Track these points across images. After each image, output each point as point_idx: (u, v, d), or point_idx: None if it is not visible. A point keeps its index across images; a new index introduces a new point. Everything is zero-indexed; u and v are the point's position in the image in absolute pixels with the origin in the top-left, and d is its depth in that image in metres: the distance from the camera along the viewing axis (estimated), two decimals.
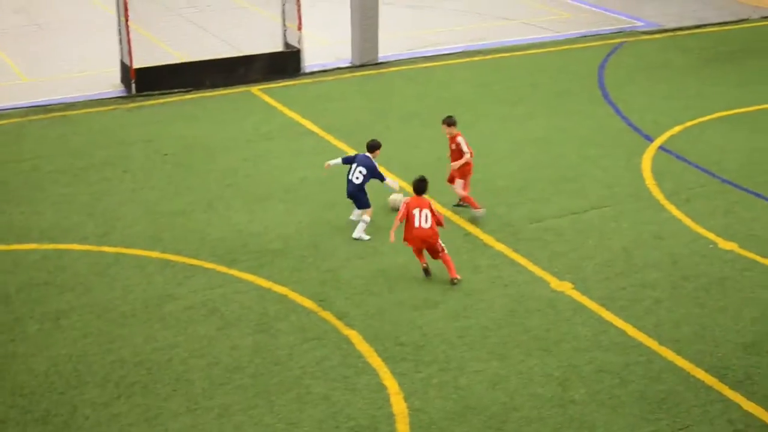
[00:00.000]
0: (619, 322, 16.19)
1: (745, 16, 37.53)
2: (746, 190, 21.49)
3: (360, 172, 19.05)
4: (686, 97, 27.47)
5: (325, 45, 31.41)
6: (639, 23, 35.86)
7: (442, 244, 17.43)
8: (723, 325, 16.22)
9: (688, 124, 25.34)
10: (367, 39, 29.51)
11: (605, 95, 27.48)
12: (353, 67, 29.54)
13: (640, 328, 16.02)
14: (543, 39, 33.06)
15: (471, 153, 19.42)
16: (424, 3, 37.93)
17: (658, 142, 24.02)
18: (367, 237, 19.01)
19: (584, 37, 33.49)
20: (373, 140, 19.59)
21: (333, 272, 17.76)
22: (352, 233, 19.09)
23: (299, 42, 28.72)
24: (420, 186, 17.43)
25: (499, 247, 18.61)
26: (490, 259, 18.20)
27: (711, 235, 19.26)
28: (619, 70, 29.96)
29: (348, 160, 19.53)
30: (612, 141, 23.98)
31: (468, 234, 19.13)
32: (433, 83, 28.36)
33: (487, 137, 24.11)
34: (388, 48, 30.60)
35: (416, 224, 17.17)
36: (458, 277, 17.37)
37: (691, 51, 32.53)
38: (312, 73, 28.95)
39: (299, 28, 28.53)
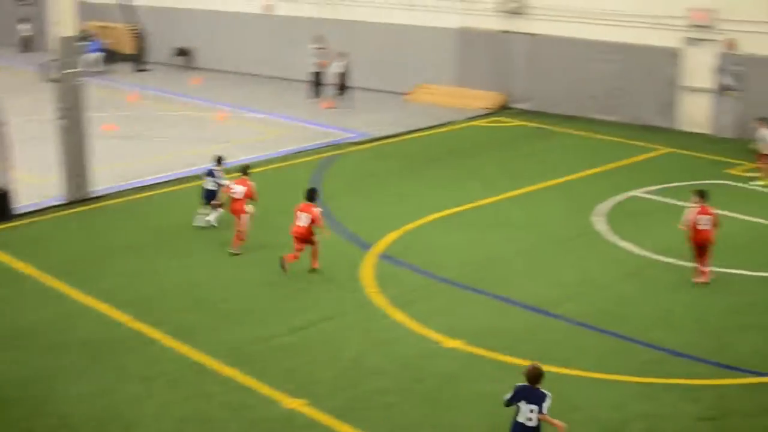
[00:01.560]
0: None
1: (450, 119, 39.07)
2: (465, 286, 22.14)
3: (213, 181, 26.20)
4: (400, 203, 28.18)
5: (37, 184, 30.63)
6: (350, 134, 36.74)
7: (316, 239, 23.15)
8: (457, 423, 16.52)
9: (405, 228, 25.99)
10: (78, 174, 28.96)
11: (322, 208, 27.81)
12: (67, 204, 28.83)
13: None
14: (257, 158, 33.28)
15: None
16: (135, 134, 37.69)
17: (376, 249, 24.49)
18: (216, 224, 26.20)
19: (297, 153, 33.99)
20: (217, 156, 26.98)
21: (64, 418, 17.10)
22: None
23: (9, 184, 27.91)
24: (310, 195, 23.35)
25: (228, 371, 18.38)
26: (220, 384, 17.92)
27: (437, 335, 19.66)
28: (334, 182, 30.51)
29: (207, 173, 26.56)
30: (332, 252, 24.22)
31: (195, 362, 18.84)
32: (150, 213, 28.05)
33: (204, 264, 23.99)
34: (101, 181, 30.08)
35: (296, 223, 22.91)
36: (317, 267, 23.19)
37: (400, 157, 33.59)
38: (24, 215, 28.04)
39: (8, 170, 27.76)
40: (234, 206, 24.81)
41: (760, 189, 29.84)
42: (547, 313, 20.79)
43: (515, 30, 41.89)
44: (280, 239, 25.23)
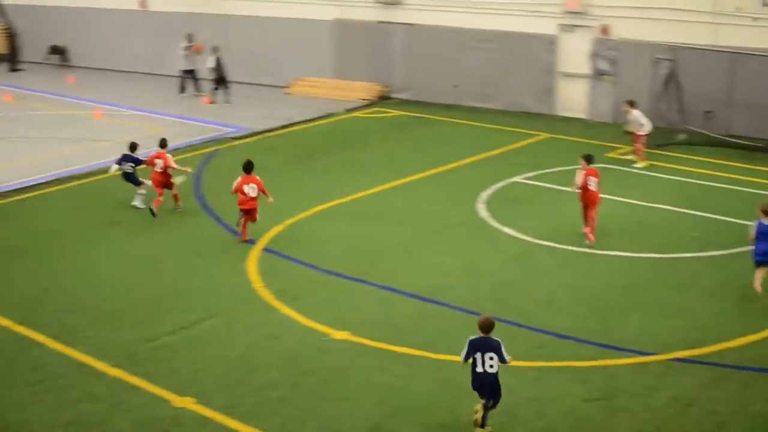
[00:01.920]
0: (245, 429, 16.10)
1: (330, 111, 39.03)
2: (350, 278, 22.14)
3: (130, 165, 27.40)
4: (283, 196, 27.94)
5: None
6: (230, 129, 36.48)
7: (257, 216, 24.41)
8: (347, 414, 16.48)
9: (288, 221, 25.90)
10: None
11: (204, 204, 27.65)
12: None
13: (267, 431, 16.02)
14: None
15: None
16: (10, 134, 36.94)
17: (261, 243, 24.35)
18: (143, 206, 27.12)
19: (178, 150, 33.55)
20: (132, 142, 27.95)
21: None
22: None
23: None
24: (247, 166, 24.35)
25: (115, 372, 18.07)
26: (107, 386, 17.61)
27: (323, 327, 19.62)
28: (215, 177, 30.25)
29: (123, 159, 27.60)
30: (216, 249, 24.08)
31: (82, 364, 18.50)
32: (29, 214, 27.48)
33: (88, 262, 23.58)
34: None
35: (246, 193, 24.01)
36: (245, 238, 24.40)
37: (281, 150, 33.49)
38: None
39: None
40: (159, 179, 26.69)
41: (638, 171, 30.38)
42: (433, 302, 20.89)
43: (392, 20, 42.01)
44: (161, 239, 25.06)
